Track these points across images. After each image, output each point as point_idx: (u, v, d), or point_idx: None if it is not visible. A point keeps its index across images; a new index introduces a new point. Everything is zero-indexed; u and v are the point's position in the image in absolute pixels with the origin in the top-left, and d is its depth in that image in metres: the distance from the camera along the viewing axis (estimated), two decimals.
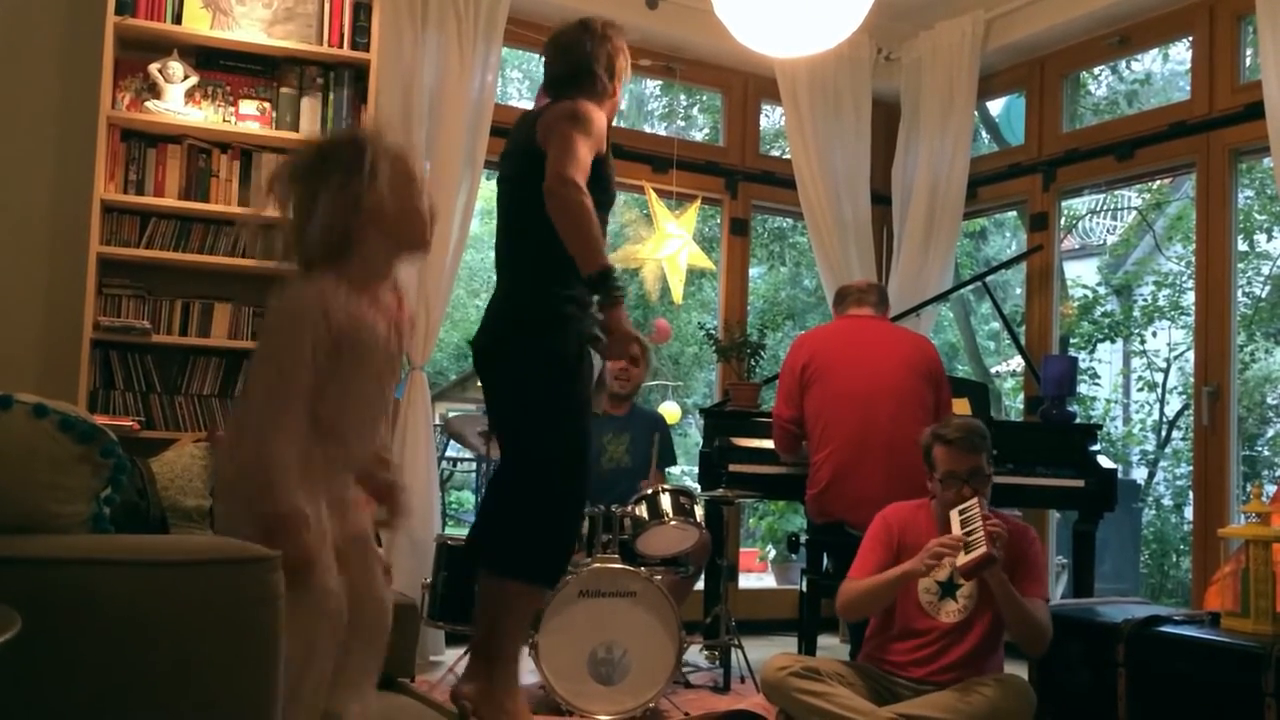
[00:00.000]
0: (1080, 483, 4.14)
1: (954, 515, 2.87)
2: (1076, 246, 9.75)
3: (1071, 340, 8.12)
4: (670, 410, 5.92)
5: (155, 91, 3.93)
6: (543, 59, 3.04)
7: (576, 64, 2.94)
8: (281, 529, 1.79)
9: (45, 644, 1.39)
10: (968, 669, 2.89)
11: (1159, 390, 8.23)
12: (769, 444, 4.08)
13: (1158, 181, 7.61)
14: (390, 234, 2.01)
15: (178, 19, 3.94)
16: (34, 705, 1.42)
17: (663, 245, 4.99)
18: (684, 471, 7.63)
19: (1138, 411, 8.55)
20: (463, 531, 5.49)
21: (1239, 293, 4.60)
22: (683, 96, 8.27)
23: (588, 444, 2.86)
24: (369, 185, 1.95)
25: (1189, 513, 6.76)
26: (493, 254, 3.13)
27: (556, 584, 3.10)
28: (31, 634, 1.21)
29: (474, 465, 8.82)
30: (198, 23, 3.97)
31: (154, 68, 3.91)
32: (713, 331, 5.13)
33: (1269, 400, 7.80)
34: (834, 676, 2.86)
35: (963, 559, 2.75)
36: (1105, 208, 9.48)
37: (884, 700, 2.86)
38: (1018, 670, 3.10)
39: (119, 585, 1.47)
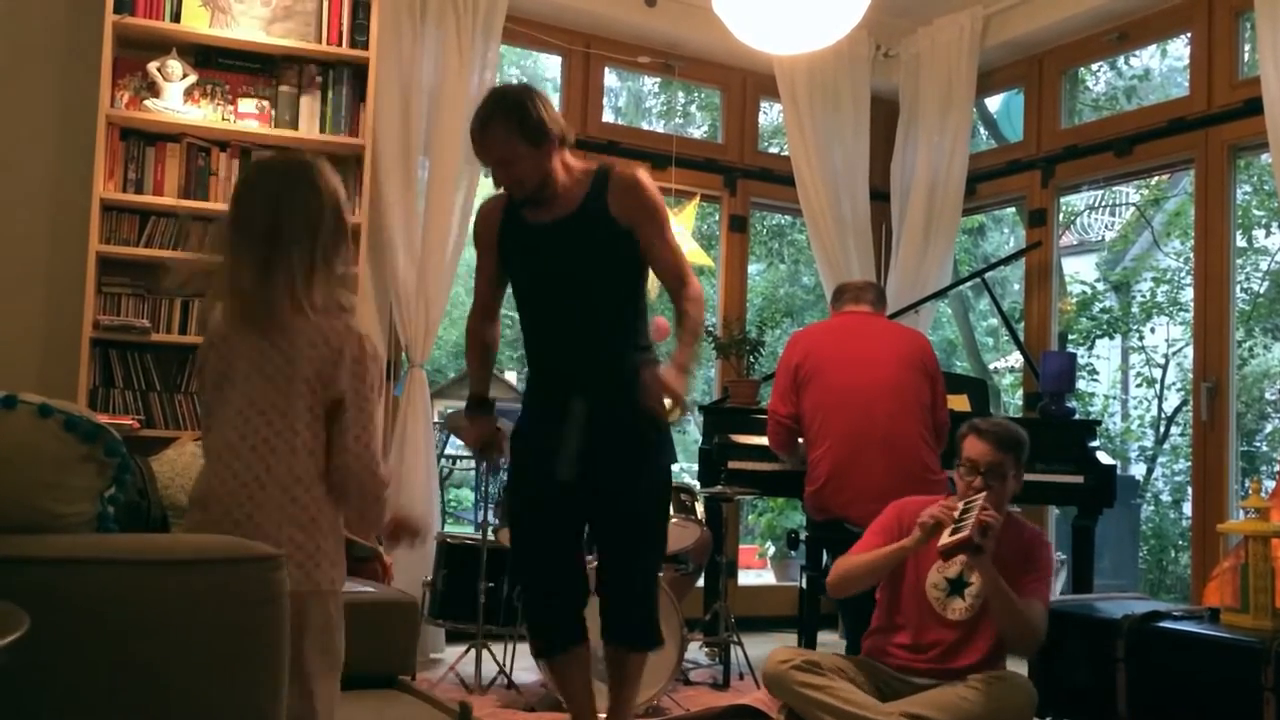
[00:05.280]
0: (1079, 478, 4.14)
1: (960, 503, 2.85)
2: (1075, 243, 9.75)
3: (1070, 336, 8.12)
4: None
5: (154, 90, 3.93)
6: (521, 108, 2.65)
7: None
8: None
9: (52, 643, 1.39)
10: (970, 664, 2.87)
11: (1157, 386, 8.24)
12: (768, 441, 4.09)
13: (1156, 178, 7.62)
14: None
15: (176, 17, 3.94)
16: (39, 703, 1.42)
17: None
18: (683, 469, 7.63)
19: (1136, 407, 8.56)
20: (462, 529, 5.47)
21: (1237, 288, 4.61)
22: (681, 94, 8.25)
23: None
24: (338, 210, 1.97)
25: (1188, 508, 6.77)
26: None
27: None
28: (38, 633, 1.21)
29: (473, 463, 8.80)
30: (196, 21, 3.97)
31: (153, 66, 3.91)
32: (712, 329, 5.13)
33: (1267, 396, 7.81)
34: (835, 671, 2.85)
35: (946, 539, 2.72)
36: (1104, 204, 9.48)
37: (885, 696, 2.86)
38: (1017, 666, 3.11)
39: (125, 585, 1.47)
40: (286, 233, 1.89)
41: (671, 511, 3.76)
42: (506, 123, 2.61)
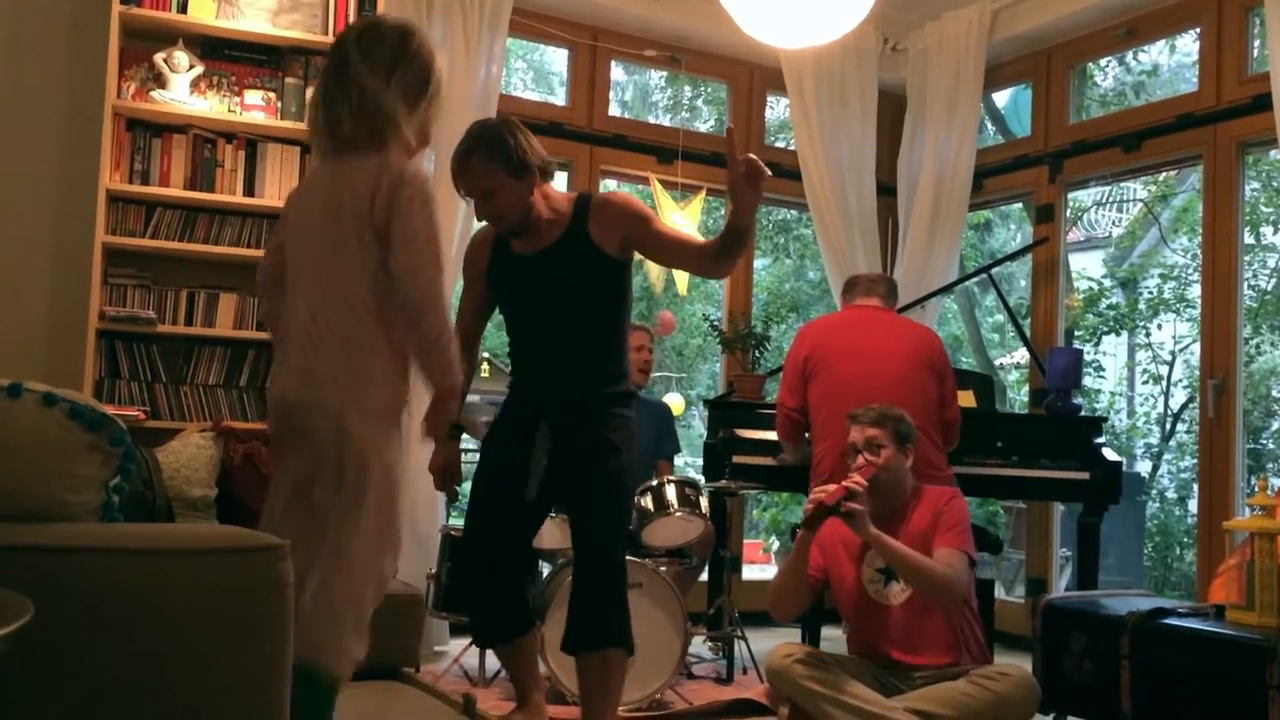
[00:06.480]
0: (1085, 475, 4.13)
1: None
2: (1082, 238, 9.72)
3: (1076, 333, 8.10)
4: (674, 402, 5.91)
5: (160, 81, 3.92)
6: (501, 140, 2.66)
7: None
8: (452, 400, 2.16)
9: (56, 631, 1.40)
10: (942, 644, 2.93)
11: (1164, 383, 8.22)
12: (773, 435, 4.08)
13: (1164, 174, 7.59)
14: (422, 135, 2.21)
15: (183, 8, 3.94)
16: (44, 692, 1.43)
17: None
18: (688, 463, 7.64)
19: (1142, 404, 8.54)
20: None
21: (1245, 285, 4.60)
22: (688, 87, 8.25)
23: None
24: (432, 85, 2.18)
25: (1193, 505, 6.74)
26: None
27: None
28: (43, 621, 1.21)
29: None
30: (203, 12, 3.96)
31: (159, 57, 3.91)
32: (717, 323, 5.13)
33: (1274, 393, 7.79)
34: (838, 665, 2.87)
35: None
36: (1111, 200, 9.44)
37: (887, 691, 2.86)
38: (1022, 661, 3.11)
39: (130, 574, 1.47)
40: (354, 59, 2.12)
41: (676, 505, 3.76)
42: (488, 155, 2.64)
